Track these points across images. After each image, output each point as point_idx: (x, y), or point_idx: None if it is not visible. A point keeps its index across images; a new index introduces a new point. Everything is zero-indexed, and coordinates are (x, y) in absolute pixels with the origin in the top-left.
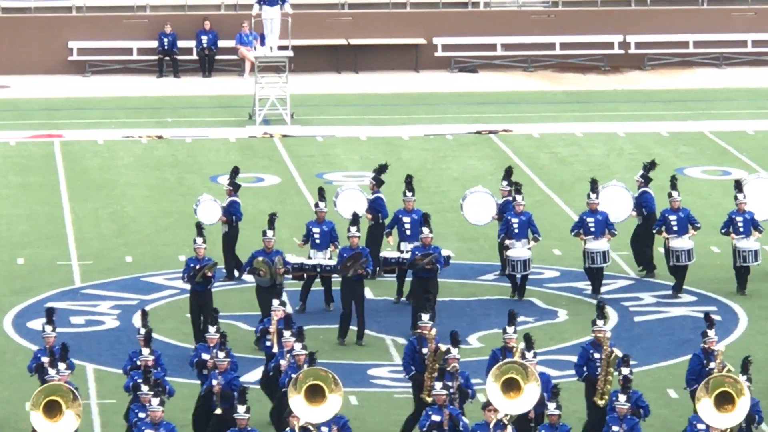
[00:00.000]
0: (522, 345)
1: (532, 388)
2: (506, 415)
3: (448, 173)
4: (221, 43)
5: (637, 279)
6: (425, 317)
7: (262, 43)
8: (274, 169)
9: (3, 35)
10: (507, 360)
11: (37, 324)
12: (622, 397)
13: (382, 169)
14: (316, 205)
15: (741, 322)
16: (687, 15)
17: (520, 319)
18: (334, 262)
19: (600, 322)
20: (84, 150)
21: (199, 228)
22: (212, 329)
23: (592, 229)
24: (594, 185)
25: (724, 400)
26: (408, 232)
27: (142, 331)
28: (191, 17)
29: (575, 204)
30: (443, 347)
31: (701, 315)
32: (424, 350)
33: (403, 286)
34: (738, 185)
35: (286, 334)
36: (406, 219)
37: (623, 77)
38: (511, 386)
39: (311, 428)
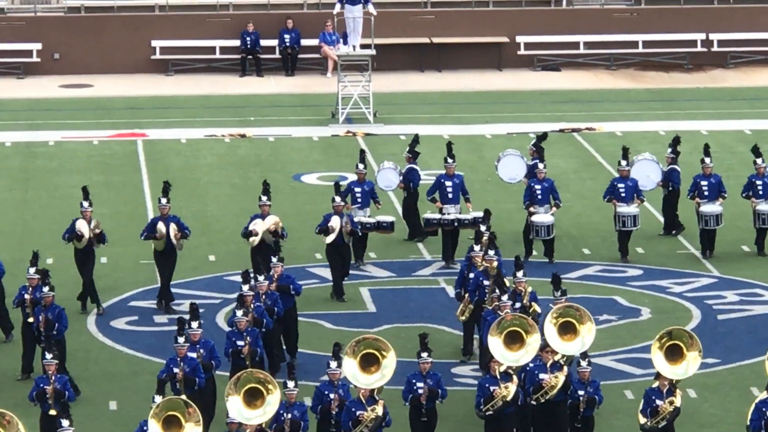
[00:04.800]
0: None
1: (535, 339)
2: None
3: None
4: (304, 42)
5: (720, 277)
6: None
7: (345, 42)
8: None
9: (86, 34)
10: (508, 314)
11: (120, 323)
12: (584, 362)
13: (413, 146)
14: (357, 167)
15: None
16: None
17: (603, 317)
18: (373, 219)
19: (491, 252)
20: (167, 149)
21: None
22: (32, 270)
23: (623, 195)
24: (625, 152)
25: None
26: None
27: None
28: (274, 16)
29: (657, 202)
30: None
31: None
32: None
33: (455, 248)
34: (756, 150)
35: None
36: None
37: (706, 75)
38: (514, 339)
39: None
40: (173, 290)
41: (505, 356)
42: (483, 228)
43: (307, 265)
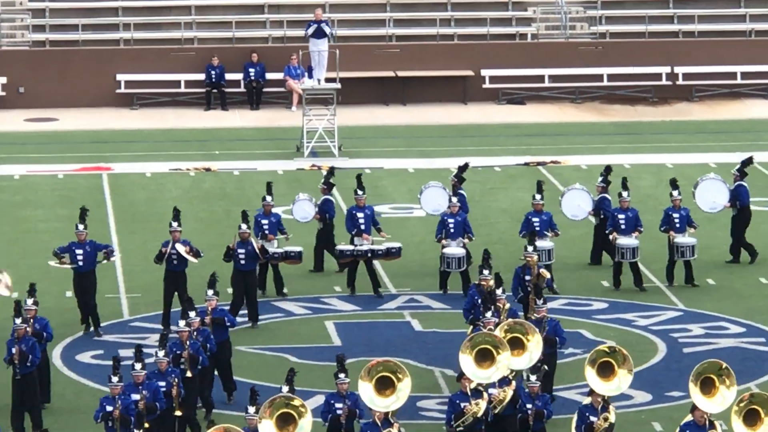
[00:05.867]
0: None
1: (505, 356)
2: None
3: (496, 205)
4: (269, 76)
5: (685, 310)
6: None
7: (310, 76)
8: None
9: (51, 68)
10: (479, 332)
11: (85, 357)
12: (532, 377)
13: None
14: (264, 199)
15: None
16: (734, 46)
17: (569, 350)
18: (281, 249)
19: (486, 271)
20: (132, 183)
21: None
22: (29, 301)
23: (537, 228)
24: (539, 186)
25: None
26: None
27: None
28: (239, 50)
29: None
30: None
31: (751, 346)
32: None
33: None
34: (673, 183)
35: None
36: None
37: (671, 108)
38: (485, 356)
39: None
40: (137, 324)
41: (476, 374)
42: (530, 249)
43: (271, 299)
